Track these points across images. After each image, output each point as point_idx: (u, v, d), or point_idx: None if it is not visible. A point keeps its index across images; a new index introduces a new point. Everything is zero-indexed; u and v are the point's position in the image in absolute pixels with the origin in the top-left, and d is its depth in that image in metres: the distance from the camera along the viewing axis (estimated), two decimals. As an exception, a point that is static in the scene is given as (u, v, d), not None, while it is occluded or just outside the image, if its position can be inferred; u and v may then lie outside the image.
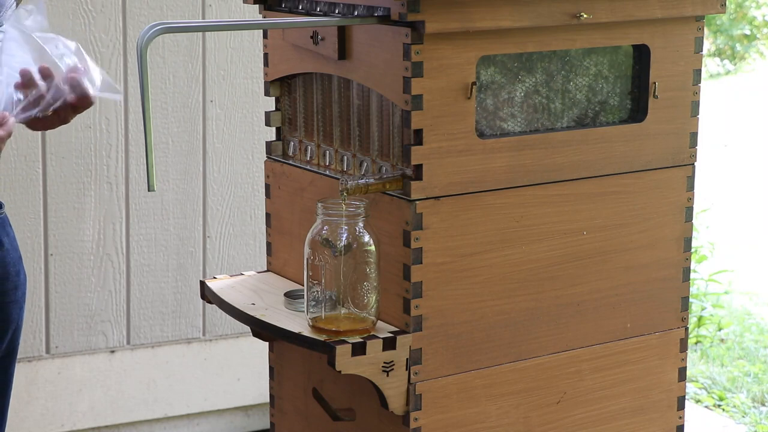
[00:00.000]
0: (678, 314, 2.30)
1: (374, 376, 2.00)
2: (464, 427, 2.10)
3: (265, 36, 2.34)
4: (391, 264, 2.04)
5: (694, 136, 2.26)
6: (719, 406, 4.23)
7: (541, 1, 2.05)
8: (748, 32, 11.92)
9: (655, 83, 2.20)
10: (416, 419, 2.04)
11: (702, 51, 2.25)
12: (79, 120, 2.99)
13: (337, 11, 2.14)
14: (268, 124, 2.35)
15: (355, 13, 2.08)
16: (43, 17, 1.95)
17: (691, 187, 2.27)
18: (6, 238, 2.10)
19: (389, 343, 2.00)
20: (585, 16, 2.09)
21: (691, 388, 4.30)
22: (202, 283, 2.31)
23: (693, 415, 4.03)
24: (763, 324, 5.11)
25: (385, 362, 2.00)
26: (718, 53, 11.90)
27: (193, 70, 3.43)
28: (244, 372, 3.67)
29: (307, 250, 2.02)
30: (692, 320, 4.91)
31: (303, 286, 2.06)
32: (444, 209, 2.02)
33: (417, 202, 2.00)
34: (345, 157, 2.18)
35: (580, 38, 2.13)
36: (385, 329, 2.03)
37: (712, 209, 5.95)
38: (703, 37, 2.24)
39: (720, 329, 5.00)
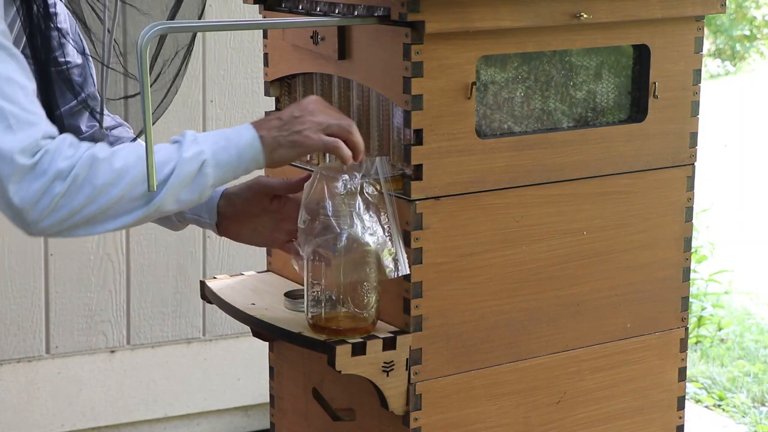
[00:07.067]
0: (678, 314, 2.30)
1: (374, 376, 1.99)
2: (464, 427, 2.09)
3: (265, 36, 2.34)
4: (391, 264, 2.04)
5: (694, 136, 2.26)
6: (719, 406, 4.23)
7: (541, 1, 2.05)
8: (748, 32, 11.92)
9: (655, 83, 2.20)
10: (416, 419, 2.04)
11: (702, 51, 2.24)
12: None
13: (337, 11, 2.13)
14: (268, 124, 2.35)
15: (355, 13, 2.08)
16: None
17: (691, 187, 2.27)
18: None
19: (389, 343, 1.99)
20: (585, 16, 2.08)
21: (691, 388, 4.30)
22: (202, 283, 2.31)
23: (693, 415, 4.03)
24: (763, 324, 5.11)
25: (385, 362, 1.99)
26: (718, 53, 11.90)
27: (193, 70, 3.42)
28: (244, 372, 3.67)
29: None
30: (692, 320, 4.91)
31: (303, 286, 2.06)
32: (444, 209, 2.02)
33: (417, 202, 1.99)
34: (345, 157, 2.18)
35: (580, 38, 2.13)
36: (385, 329, 2.03)
37: (712, 209, 5.95)
38: (703, 37, 2.24)
39: (720, 329, 5.01)
